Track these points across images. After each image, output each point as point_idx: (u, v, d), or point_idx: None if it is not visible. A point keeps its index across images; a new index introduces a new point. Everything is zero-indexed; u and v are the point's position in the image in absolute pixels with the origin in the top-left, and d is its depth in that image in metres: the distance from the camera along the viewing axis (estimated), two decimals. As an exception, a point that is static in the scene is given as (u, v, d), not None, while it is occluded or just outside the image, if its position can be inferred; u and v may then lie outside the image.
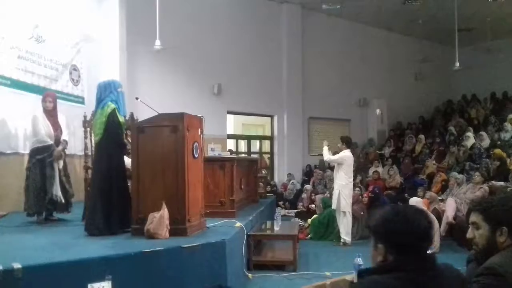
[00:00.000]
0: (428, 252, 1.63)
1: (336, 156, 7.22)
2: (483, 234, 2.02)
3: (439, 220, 6.95)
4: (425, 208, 6.84)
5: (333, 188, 7.57)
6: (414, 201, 7.00)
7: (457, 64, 11.74)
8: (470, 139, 10.86)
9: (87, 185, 5.30)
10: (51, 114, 5.32)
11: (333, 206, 7.23)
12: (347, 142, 7.33)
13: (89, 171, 5.28)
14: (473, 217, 2.07)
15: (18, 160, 6.06)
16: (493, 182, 7.93)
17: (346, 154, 7.17)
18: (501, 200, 2.06)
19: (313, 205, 9.17)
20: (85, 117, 5.71)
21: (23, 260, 2.94)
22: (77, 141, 7.33)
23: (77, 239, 4.09)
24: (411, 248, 1.56)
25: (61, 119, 5.49)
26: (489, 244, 2.00)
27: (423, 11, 12.90)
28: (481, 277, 1.84)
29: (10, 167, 6.06)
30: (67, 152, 5.53)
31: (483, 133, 11.03)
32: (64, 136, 5.41)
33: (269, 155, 13.17)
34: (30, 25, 6.85)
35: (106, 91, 4.52)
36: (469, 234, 2.07)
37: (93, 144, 5.20)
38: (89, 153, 5.52)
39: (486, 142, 10.62)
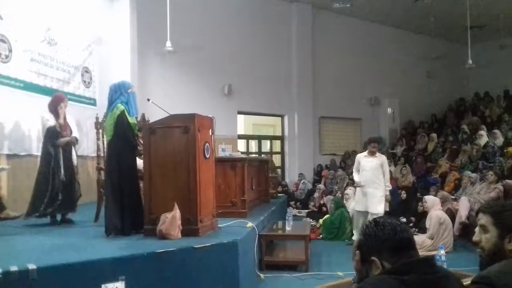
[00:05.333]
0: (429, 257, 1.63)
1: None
2: (490, 239, 1.90)
3: (453, 219, 6.88)
4: (440, 206, 6.80)
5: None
6: (431, 199, 6.92)
7: (470, 61, 11.57)
8: (483, 138, 10.71)
9: (99, 186, 5.35)
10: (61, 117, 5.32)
11: (361, 208, 7.05)
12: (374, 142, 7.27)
13: (102, 172, 5.33)
14: (482, 220, 1.94)
15: (32, 161, 6.11)
16: (507, 181, 7.80)
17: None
18: None
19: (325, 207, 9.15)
20: (97, 118, 5.74)
21: (38, 261, 2.98)
22: (89, 143, 7.41)
23: (90, 240, 4.13)
24: (401, 252, 1.55)
25: (71, 120, 5.51)
26: (496, 250, 1.87)
27: (434, 9, 12.76)
28: (474, 285, 1.72)
29: (24, 168, 6.13)
30: (79, 153, 5.55)
31: (496, 131, 10.86)
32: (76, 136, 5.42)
33: (280, 155, 13.14)
34: (42, 28, 6.92)
35: (117, 93, 4.56)
36: (476, 236, 1.95)
37: (105, 146, 5.22)
38: (102, 154, 5.54)
39: (499, 141, 10.47)
